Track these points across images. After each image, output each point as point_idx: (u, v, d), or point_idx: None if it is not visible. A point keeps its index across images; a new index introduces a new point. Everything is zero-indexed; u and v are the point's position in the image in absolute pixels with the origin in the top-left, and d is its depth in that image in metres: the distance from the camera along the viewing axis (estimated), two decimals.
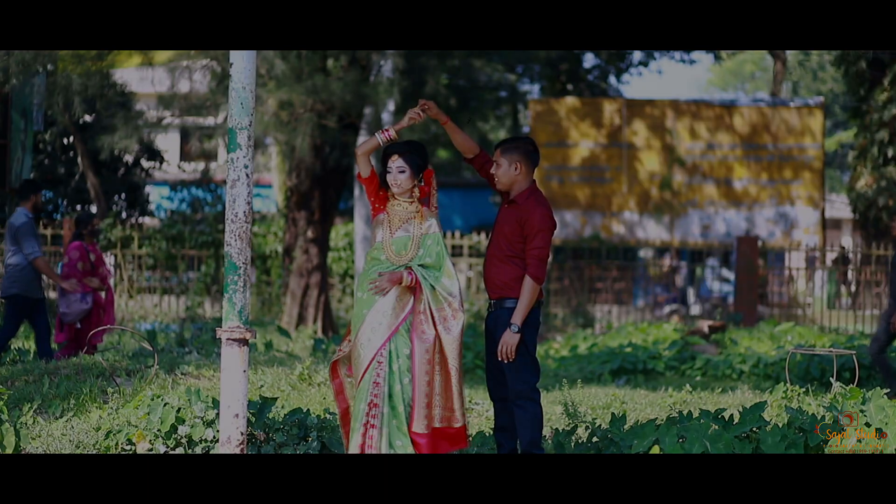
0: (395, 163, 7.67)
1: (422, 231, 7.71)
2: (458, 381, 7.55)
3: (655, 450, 7.77)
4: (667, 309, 23.45)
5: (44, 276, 13.41)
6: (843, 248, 26.70)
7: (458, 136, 8.11)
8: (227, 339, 6.95)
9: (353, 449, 7.31)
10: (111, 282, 14.47)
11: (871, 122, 26.73)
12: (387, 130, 7.71)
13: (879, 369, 13.38)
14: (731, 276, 24.63)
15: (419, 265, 7.62)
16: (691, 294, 23.86)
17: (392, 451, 7.28)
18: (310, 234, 21.88)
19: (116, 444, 8.34)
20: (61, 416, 9.07)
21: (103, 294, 14.00)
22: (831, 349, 12.01)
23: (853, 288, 26.29)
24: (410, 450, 7.31)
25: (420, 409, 7.44)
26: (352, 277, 26.54)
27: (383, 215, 7.73)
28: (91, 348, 12.96)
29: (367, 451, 7.27)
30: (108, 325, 13.56)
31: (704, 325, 19.28)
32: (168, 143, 36.02)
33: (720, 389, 12.95)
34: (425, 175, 7.79)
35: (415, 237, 7.68)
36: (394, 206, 7.74)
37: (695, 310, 24.29)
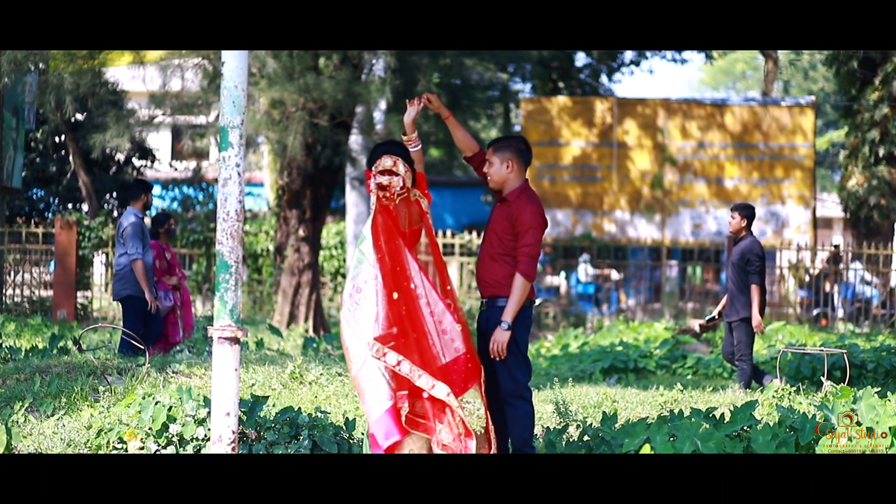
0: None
1: None
2: None
3: (646, 448, 7.78)
4: (815, 312, 23.39)
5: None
6: (837, 246, 26.75)
7: (460, 132, 8.13)
8: (219, 337, 6.94)
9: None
10: (185, 283, 14.59)
11: (862, 122, 26.79)
12: (412, 141, 7.93)
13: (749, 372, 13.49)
14: (874, 279, 24.52)
15: None
16: (836, 297, 23.79)
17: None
18: (301, 232, 21.87)
19: (108, 442, 8.33)
20: (53, 415, 9.06)
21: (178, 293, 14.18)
22: (822, 348, 12.04)
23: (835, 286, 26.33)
24: None
25: None
26: (343, 276, 26.54)
27: None
28: (170, 347, 13.28)
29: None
30: (185, 325, 13.84)
31: (695, 323, 19.30)
32: (160, 141, 36.05)
33: (711, 388, 12.98)
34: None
35: None
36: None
37: (840, 313, 24.15)
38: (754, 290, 12.86)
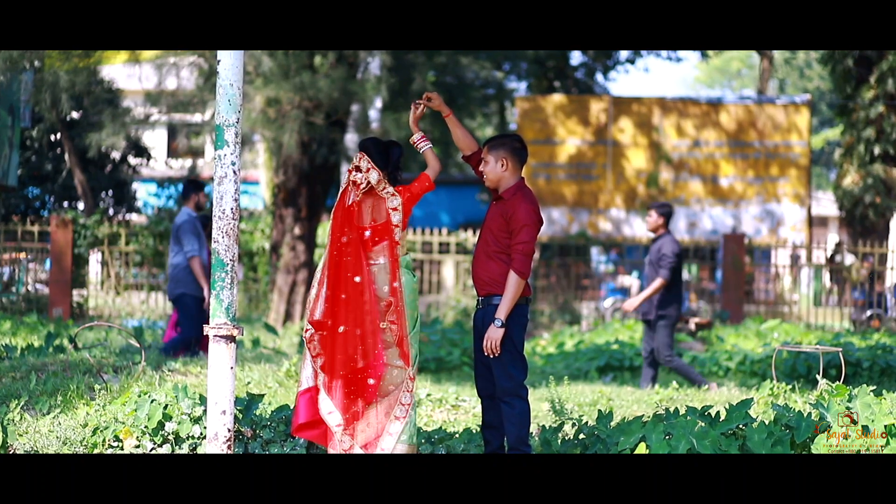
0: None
1: None
2: None
3: (642, 447, 7.79)
4: (868, 313, 23.34)
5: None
6: (841, 243, 26.79)
7: (459, 131, 8.14)
8: (215, 335, 6.95)
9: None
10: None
11: (857, 120, 26.82)
12: (424, 139, 7.97)
13: (678, 373, 13.55)
14: None
15: None
16: (889, 298, 23.71)
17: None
18: (297, 230, 21.89)
19: (103, 440, 8.33)
20: (48, 413, 9.06)
21: None
22: (817, 346, 12.05)
23: (836, 285, 26.36)
24: None
25: None
26: None
27: None
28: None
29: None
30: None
31: (691, 322, 19.31)
32: (155, 139, 35.97)
33: (707, 387, 12.99)
34: None
35: None
36: None
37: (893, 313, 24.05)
38: (657, 281, 13.00)
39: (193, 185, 13.79)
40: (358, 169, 7.72)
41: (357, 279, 7.62)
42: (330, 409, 7.58)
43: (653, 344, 13.20)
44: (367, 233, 7.70)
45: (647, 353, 13.29)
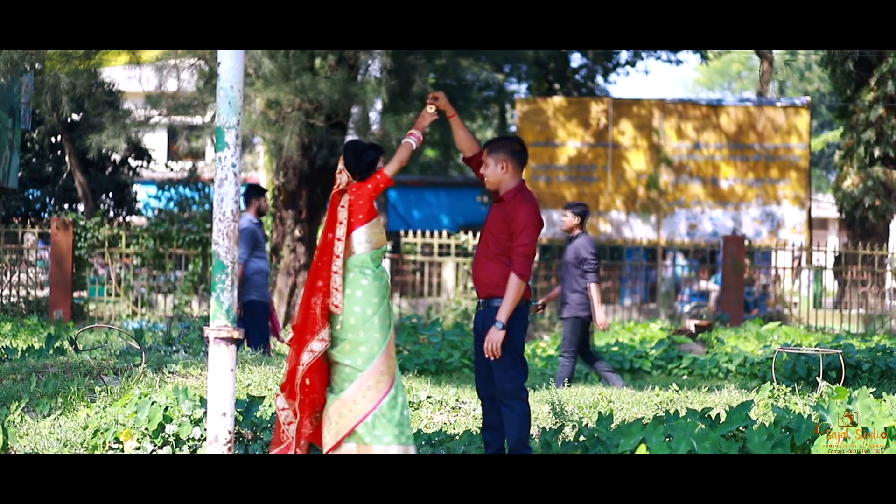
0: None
1: None
2: None
3: (642, 449, 7.78)
4: None
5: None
6: (846, 244, 26.77)
7: (462, 132, 8.12)
8: (215, 337, 6.95)
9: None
10: None
11: (857, 122, 26.83)
12: (413, 134, 7.75)
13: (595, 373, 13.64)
14: None
15: None
16: None
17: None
18: (297, 232, 21.90)
19: (104, 442, 8.34)
20: (49, 415, 9.06)
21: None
22: (818, 348, 12.06)
23: (837, 287, 26.37)
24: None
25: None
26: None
27: (378, 217, 7.78)
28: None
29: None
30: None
31: (691, 324, 19.31)
32: (156, 142, 35.98)
33: (707, 388, 12.98)
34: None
35: None
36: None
37: None
38: (594, 288, 12.93)
39: (255, 190, 13.84)
40: (340, 171, 7.75)
41: (319, 283, 7.63)
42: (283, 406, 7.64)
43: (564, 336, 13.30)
44: (330, 234, 7.71)
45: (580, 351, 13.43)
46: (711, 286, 26.62)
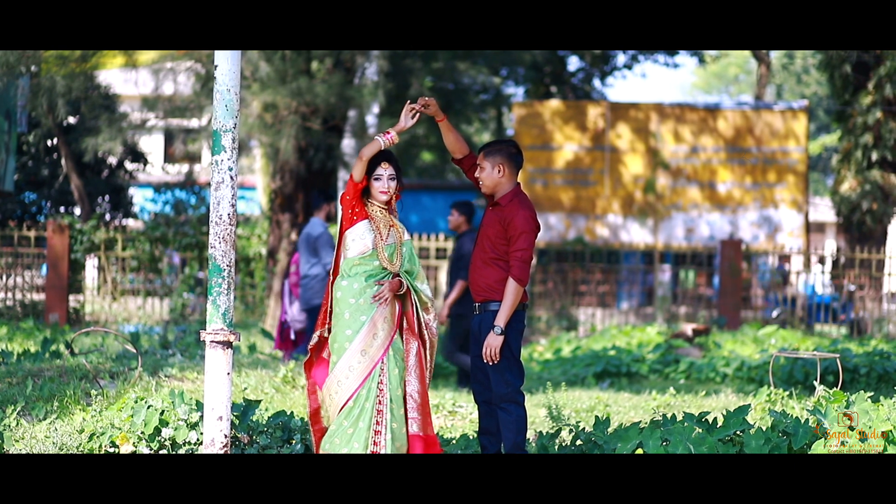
0: (388, 170, 7.67)
1: (402, 238, 7.73)
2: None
3: (639, 453, 7.78)
4: None
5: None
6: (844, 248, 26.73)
7: (452, 135, 8.08)
8: (211, 341, 6.94)
9: (358, 451, 7.35)
10: None
11: (855, 126, 26.81)
12: (388, 133, 7.65)
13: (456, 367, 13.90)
14: None
15: (404, 272, 7.68)
16: None
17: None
18: (294, 236, 21.87)
19: (100, 446, 8.33)
20: (45, 419, 9.05)
21: None
22: (815, 352, 12.03)
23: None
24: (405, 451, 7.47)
25: (425, 411, 7.62)
26: None
27: (368, 222, 7.69)
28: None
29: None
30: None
31: (688, 328, 19.30)
32: (152, 145, 36.00)
33: (704, 393, 12.98)
34: None
35: (398, 244, 7.70)
36: (376, 213, 7.74)
37: None
38: (459, 284, 13.17)
39: (324, 196, 13.89)
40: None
41: None
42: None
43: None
44: None
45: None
46: (801, 292, 26.50)
